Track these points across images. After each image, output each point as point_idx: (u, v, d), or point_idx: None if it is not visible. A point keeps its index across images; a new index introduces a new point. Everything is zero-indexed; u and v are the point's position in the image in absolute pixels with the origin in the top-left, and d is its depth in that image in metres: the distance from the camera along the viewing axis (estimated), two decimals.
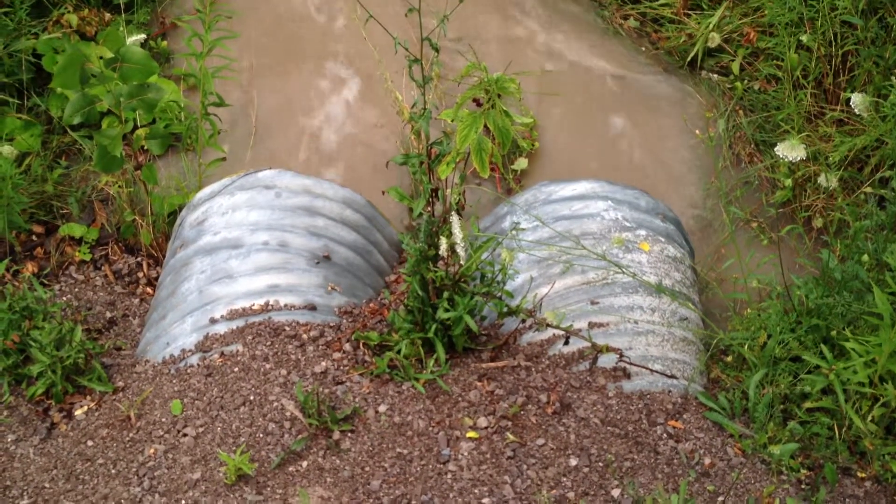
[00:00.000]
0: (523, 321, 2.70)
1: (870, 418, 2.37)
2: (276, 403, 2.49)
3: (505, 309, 2.66)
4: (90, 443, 2.51)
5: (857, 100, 2.72)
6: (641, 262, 2.84)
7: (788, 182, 3.12)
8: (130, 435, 2.50)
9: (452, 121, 3.37)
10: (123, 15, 3.90)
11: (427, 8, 2.71)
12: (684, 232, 3.06)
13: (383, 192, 3.39)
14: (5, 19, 3.48)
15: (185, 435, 2.46)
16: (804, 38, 3.27)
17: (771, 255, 2.87)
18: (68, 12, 3.72)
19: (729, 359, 2.72)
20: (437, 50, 2.84)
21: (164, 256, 3.23)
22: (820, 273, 2.66)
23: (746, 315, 2.73)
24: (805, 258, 3.00)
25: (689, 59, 3.83)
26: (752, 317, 2.68)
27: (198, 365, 2.64)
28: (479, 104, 3.55)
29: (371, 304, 2.92)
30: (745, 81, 3.62)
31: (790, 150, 2.39)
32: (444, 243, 2.56)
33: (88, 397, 2.65)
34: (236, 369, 2.60)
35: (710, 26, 3.72)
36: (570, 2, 4.25)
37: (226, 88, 3.66)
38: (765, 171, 3.38)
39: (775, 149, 2.42)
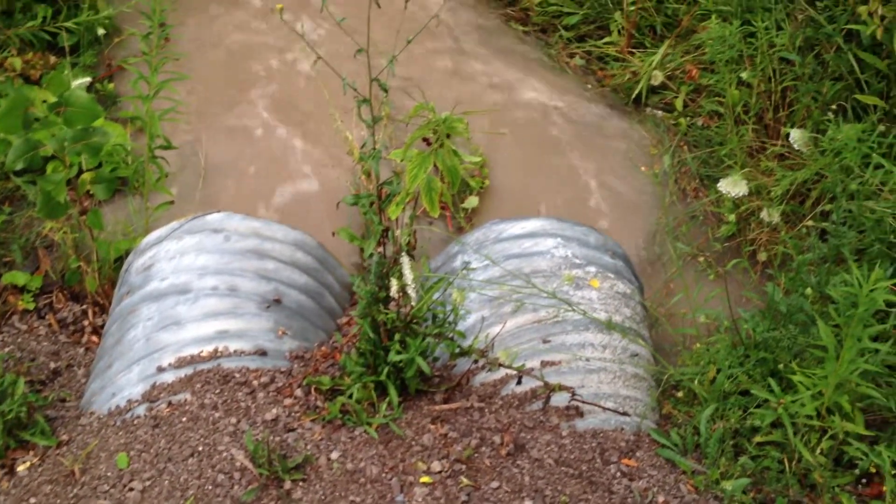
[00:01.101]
0: (476, 362, 2.70)
1: (818, 451, 2.40)
2: (225, 453, 2.45)
3: (457, 350, 2.65)
4: (33, 500, 2.44)
5: (796, 136, 2.78)
6: (592, 298, 2.85)
7: (732, 217, 3.18)
8: (75, 491, 2.44)
9: (402, 160, 3.38)
10: (69, 58, 3.86)
11: (376, 48, 2.73)
12: (633, 268, 3.09)
13: (333, 234, 3.39)
14: None
15: (131, 489, 2.41)
16: (744, 74, 3.35)
17: (718, 289, 2.90)
18: (12, 56, 3.68)
19: (680, 394, 2.74)
20: (385, 90, 2.85)
21: (110, 304, 3.18)
22: (766, 306, 2.70)
23: (696, 350, 2.76)
24: (751, 291, 3.04)
25: (633, 96, 3.89)
26: (701, 351, 2.70)
27: (145, 415, 2.59)
28: (428, 143, 3.58)
29: (323, 348, 2.89)
30: (689, 118, 3.68)
31: (732, 187, 2.43)
32: (394, 285, 2.55)
33: (31, 452, 2.58)
34: (184, 419, 2.56)
35: (653, 64, 3.79)
36: (517, 41, 4.30)
37: (175, 130, 3.64)
38: (710, 205, 3.44)
39: (718, 185, 2.46)
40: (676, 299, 3.06)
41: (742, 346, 2.63)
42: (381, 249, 2.72)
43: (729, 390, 2.56)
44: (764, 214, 2.88)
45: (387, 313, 2.61)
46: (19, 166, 2.81)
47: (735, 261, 3.00)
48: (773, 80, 3.38)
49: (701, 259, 3.29)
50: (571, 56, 4.19)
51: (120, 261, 3.24)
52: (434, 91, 3.96)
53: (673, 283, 3.28)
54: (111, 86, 3.94)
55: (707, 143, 3.55)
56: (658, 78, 3.69)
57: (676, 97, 3.76)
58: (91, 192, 3.35)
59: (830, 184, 2.73)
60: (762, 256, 3.17)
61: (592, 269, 2.94)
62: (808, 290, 2.52)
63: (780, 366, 2.53)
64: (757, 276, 3.22)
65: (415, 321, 2.65)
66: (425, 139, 3.56)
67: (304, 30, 4.17)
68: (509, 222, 3.12)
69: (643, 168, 3.53)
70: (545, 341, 2.77)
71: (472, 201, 3.56)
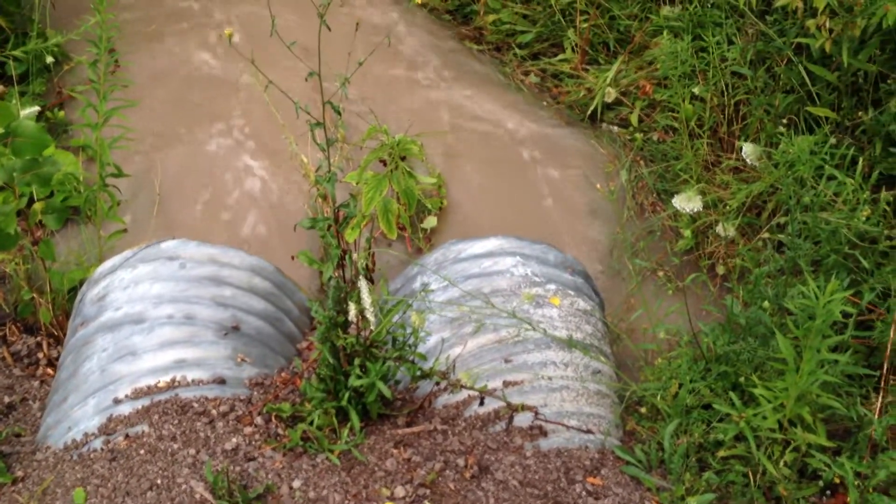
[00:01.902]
0: (437, 384, 2.67)
1: (782, 463, 2.40)
2: (184, 486, 2.40)
3: (418, 372, 2.63)
4: None
5: (749, 150, 2.81)
6: (552, 316, 2.85)
7: (688, 233, 3.19)
8: None
9: (358, 183, 3.36)
10: (17, 87, 3.80)
11: (329, 71, 2.71)
12: (593, 284, 3.09)
13: (292, 257, 3.36)
14: None
15: None
16: (697, 89, 3.37)
17: (678, 303, 2.91)
18: None
19: (643, 410, 2.74)
20: (339, 113, 2.83)
21: (64, 335, 3.12)
22: (725, 319, 2.71)
23: (657, 365, 2.76)
24: (710, 305, 3.06)
25: (589, 112, 3.90)
26: (662, 366, 2.70)
27: (101, 449, 2.53)
28: (384, 164, 3.57)
29: (283, 374, 2.86)
30: (644, 133, 3.71)
31: (687, 202, 2.44)
32: (353, 309, 2.53)
33: None
34: (142, 451, 2.50)
35: (607, 80, 3.81)
36: (472, 60, 4.30)
37: (128, 158, 3.59)
38: (667, 220, 3.45)
39: (672, 201, 2.47)
40: (637, 315, 3.06)
41: (703, 360, 2.64)
42: (339, 273, 2.70)
43: (691, 405, 2.56)
44: (719, 229, 2.90)
45: (346, 338, 2.58)
46: None
47: (694, 275, 3.01)
48: (725, 94, 3.41)
49: (660, 274, 3.31)
50: (526, 74, 4.20)
51: (74, 291, 3.18)
52: (389, 112, 3.94)
53: (633, 298, 3.29)
54: (61, 114, 3.88)
55: (663, 158, 3.57)
56: (612, 94, 3.71)
57: (631, 113, 3.78)
58: (42, 223, 3.30)
59: (785, 196, 2.75)
60: (720, 270, 3.19)
61: (552, 286, 2.94)
62: (766, 303, 2.53)
63: (742, 379, 2.53)
64: (716, 289, 3.24)
65: (375, 345, 2.63)
66: (382, 161, 3.56)
67: (255, 55, 4.14)
68: (468, 242, 3.11)
69: (598, 185, 3.54)
70: (507, 361, 2.75)
71: (430, 221, 3.54)
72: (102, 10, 2.98)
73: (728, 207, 3.10)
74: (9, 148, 2.80)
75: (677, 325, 2.81)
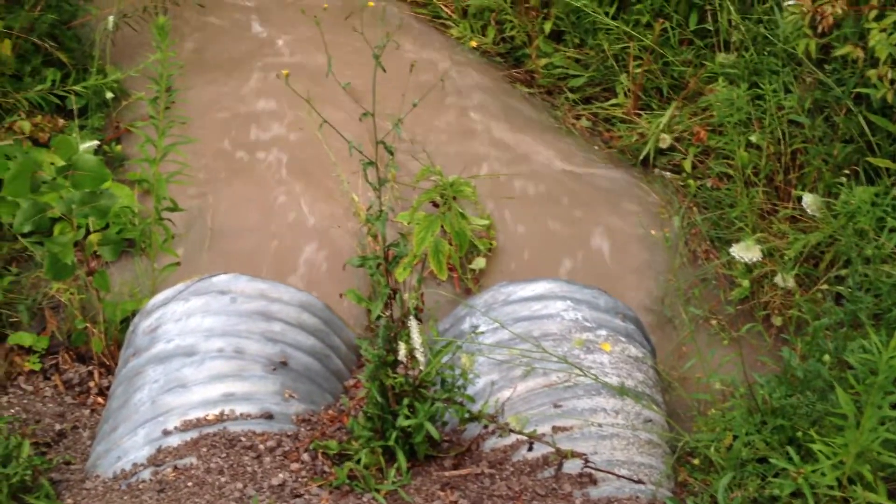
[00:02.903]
0: (486, 427, 2.65)
1: None
2: None
3: (467, 415, 2.61)
4: None
5: (809, 200, 2.77)
6: (603, 362, 2.81)
7: (746, 283, 3.15)
8: None
9: (409, 223, 3.37)
10: (77, 120, 3.88)
11: (382, 110, 2.73)
12: (645, 331, 3.05)
13: (341, 295, 3.36)
14: None
15: None
16: (753, 137, 3.35)
17: (732, 353, 2.86)
18: (21, 119, 3.69)
19: (696, 461, 2.68)
20: (391, 153, 2.85)
21: (116, 365, 3.14)
22: (782, 372, 2.66)
23: (711, 416, 2.70)
24: (766, 356, 3.00)
25: (641, 157, 3.89)
26: (716, 417, 2.65)
27: (150, 480, 2.54)
28: (436, 205, 3.57)
29: (330, 411, 2.85)
30: (698, 179, 3.68)
31: (745, 252, 2.40)
32: (402, 348, 2.52)
33: None
34: (190, 483, 2.50)
35: (661, 126, 3.79)
36: (523, 102, 4.32)
37: (181, 192, 3.63)
38: (721, 268, 3.41)
39: (731, 250, 2.43)
40: (690, 364, 3.01)
41: (759, 413, 2.58)
42: (388, 312, 2.70)
43: (746, 458, 2.50)
44: (778, 279, 2.85)
45: (395, 377, 2.57)
46: (27, 229, 2.81)
47: (749, 325, 2.96)
48: (782, 142, 3.38)
49: (713, 322, 3.26)
50: (577, 118, 4.20)
51: (126, 322, 3.21)
52: (440, 152, 3.96)
53: (685, 346, 3.24)
54: (119, 148, 3.95)
55: (717, 205, 3.53)
56: (666, 141, 3.70)
57: (685, 159, 3.75)
58: (98, 254, 3.34)
59: (844, 247, 2.71)
60: (777, 321, 3.13)
61: (603, 332, 2.91)
62: (827, 357, 2.48)
63: (799, 433, 2.47)
64: (771, 340, 3.18)
65: (423, 385, 2.61)
66: (433, 202, 3.57)
67: (310, 94, 4.19)
68: (518, 284, 3.09)
69: (652, 231, 3.52)
70: (556, 406, 2.72)
71: (479, 263, 3.53)
72: (165, 48, 3.03)
73: (785, 257, 3.06)
74: (69, 180, 2.85)
75: (732, 375, 2.76)
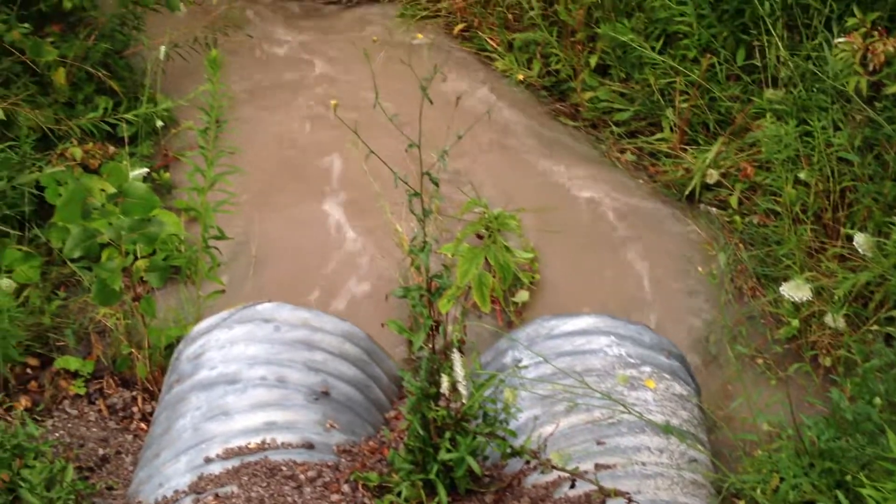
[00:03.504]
0: (528, 462, 2.62)
1: None
2: None
3: (508, 449, 2.59)
4: None
5: (861, 240, 2.73)
6: (647, 400, 2.78)
7: (795, 322, 3.10)
8: None
9: (453, 255, 3.37)
10: (127, 148, 3.95)
11: (427, 142, 2.74)
12: (689, 368, 3.02)
13: (383, 325, 3.36)
14: (10, 153, 3.51)
15: None
16: (802, 174, 3.31)
17: (779, 393, 2.81)
18: (73, 146, 3.76)
19: (741, 503, 2.63)
20: (436, 184, 2.86)
21: (159, 390, 3.17)
22: (830, 413, 2.61)
23: (757, 457, 2.66)
24: (814, 397, 2.95)
25: (687, 192, 3.86)
26: (763, 459, 2.60)
27: None
28: (480, 238, 3.58)
29: (370, 443, 2.84)
30: (745, 216, 3.64)
31: (795, 291, 2.37)
32: (445, 381, 2.51)
33: None
34: None
35: (707, 161, 3.77)
36: (567, 136, 4.32)
37: (227, 220, 3.67)
38: (768, 305, 3.37)
39: (781, 289, 2.40)
40: (736, 404, 2.97)
41: (806, 455, 2.53)
42: (430, 343, 2.69)
43: (793, 501, 2.45)
44: (828, 319, 2.81)
45: (437, 410, 2.56)
46: (77, 254, 2.85)
47: (797, 365, 2.91)
48: (831, 179, 3.34)
49: (760, 361, 3.21)
50: (622, 151, 4.19)
51: (170, 348, 3.24)
52: (483, 184, 3.97)
53: (731, 385, 3.19)
54: (167, 175, 4.01)
55: (764, 242, 3.50)
56: (713, 177, 3.67)
57: (731, 194, 3.72)
58: (144, 280, 3.38)
59: (894, 287, 2.66)
60: (825, 361, 3.08)
61: (647, 368, 2.88)
62: (877, 400, 2.43)
63: (848, 477, 2.42)
64: (820, 380, 3.13)
65: (465, 419, 2.60)
66: (477, 234, 3.57)
67: (357, 125, 4.23)
68: (561, 319, 3.07)
69: (699, 267, 3.48)
70: (599, 443, 2.69)
71: (522, 296, 3.52)
72: (216, 79, 3.08)
73: (834, 297, 3.01)
74: (119, 207, 2.89)
75: (779, 416, 2.71)
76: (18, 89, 3.78)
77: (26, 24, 3.82)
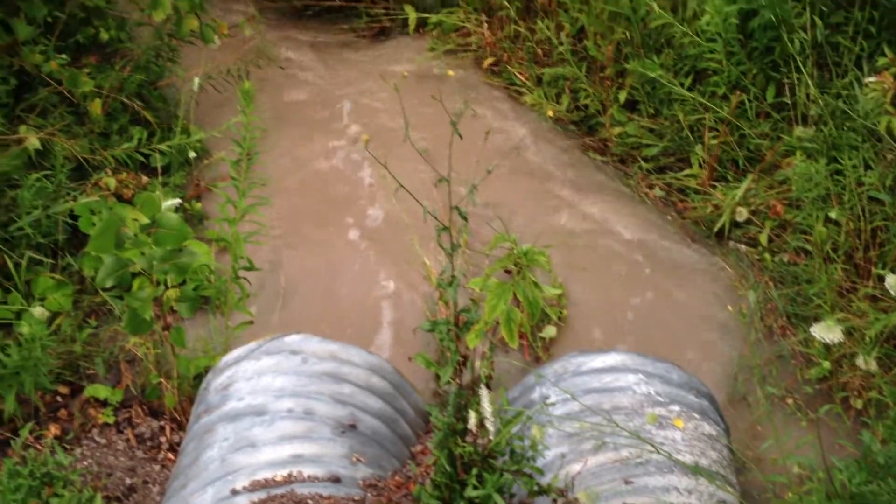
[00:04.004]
0: (555, 500, 2.60)
1: None
2: None
3: (535, 487, 2.57)
4: None
5: (892, 281, 2.70)
6: (676, 439, 2.76)
7: (826, 364, 3.07)
8: None
9: (481, 290, 3.38)
10: (160, 178, 3.99)
11: (456, 176, 2.77)
12: (718, 408, 2.99)
13: (410, 359, 3.37)
14: (46, 182, 3.57)
15: None
16: (833, 213, 3.29)
17: (809, 435, 2.78)
18: (107, 175, 3.81)
19: None
20: (465, 219, 2.87)
21: (187, 420, 3.18)
22: (862, 456, 2.57)
23: (787, 499, 2.62)
24: (845, 439, 2.91)
25: (716, 229, 3.85)
26: (793, 501, 2.57)
27: None
28: (508, 273, 3.58)
29: (397, 477, 2.83)
30: (774, 253, 3.62)
31: (827, 332, 2.35)
32: (473, 417, 2.50)
33: None
34: None
35: (736, 198, 3.76)
36: (596, 171, 4.33)
37: (256, 251, 3.70)
38: (798, 345, 3.34)
39: (812, 330, 2.38)
40: (766, 445, 2.94)
41: (837, 499, 2.50)
42: (458, 378, 2.69)
43: None
44: (860, 362, 2.78)
45: (464, 446, 2.55)
46: (109, 284, 2.88)
47: (827, 406, 2.88)
48: (862, 219, 3.32)
49: (790, 401, 3.18)
50: (651, 187, 4.19)
51: (199, 377, 3.26)
52: (511, 219, 3.98)
53: (761, 426, 3.16)
54: (199, 205, 4.05)
55: (794, 281, 3.47)
56: (743, 214, 3.66)
57: (761, 232, 3.71)
58: (175, 309, 3.41)
59: None
60: (857, 403, 3.04)
61: (676, 407, 2.86)
62: None
63: None
64: (851, 422, 3.09)
65: (492, 455, 2.59)
66: (506, 269, 3.57)
67: (387, 158, 4.26)
68: (589, 355, 3.06)
69: (728, 306, 3.46)
70: (627, 482, 2.67)
71: (549, 331, 3.52)
72: (249, 112, 3.12)
73: (866, 338, 2.98)
74: (151, 237, 2.92)
75: (809, 458, 2.68)
76: (55, 119, 3.85)
77: (64, 56, 3.89)
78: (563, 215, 4.07)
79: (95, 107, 3.94)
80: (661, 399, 2.88)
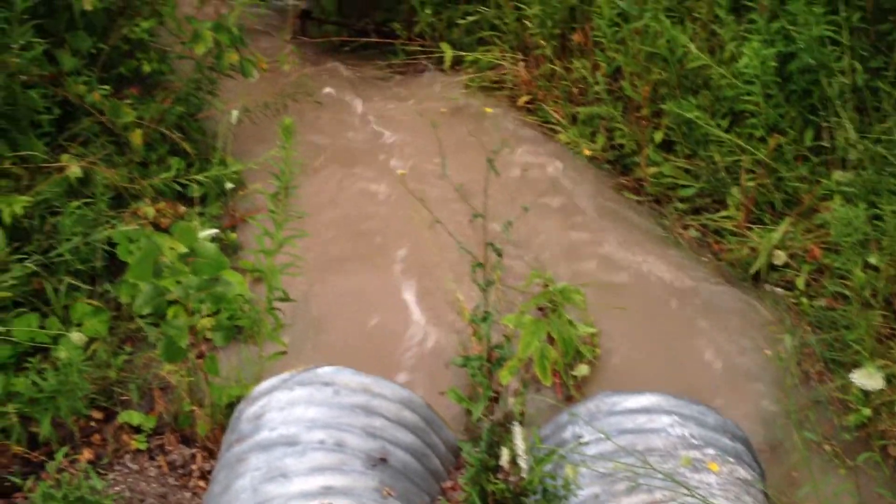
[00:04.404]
0: None
1: None
2: None
3: None
4: None
5: None
6: (710, 483, 2.72)
7: (866, 411, 3.02)
8: None
9: (515, 327, 3.37)
10: (197, 207, 4.04)
11: (490, 212, 2.78)
12: (754, 452, 2.95)
13: (441, 393, 3.36)
14: (86, 210, 3.61)
15: None
16: (872, 258, 3.26)
17: (847, 483, 2.74)
18: (146, 204, 3.86)
19: None
20: (500, 255, 2.88)
21: (219, 449, 3.19)
22: None
23: None
24: (883, 487, 2.86)
25: (752, 271, 3.82)
26: None
27: None
28: (540, 310, 3.57)
29: None
30: (811, 298, 3.59)
31: (867, 379, 2.33)
32: (505, 454, 2.49)
33: None
34: None
35: (773, 241, 3.73)
36: (630, 210, 4.32)
37: (290, 281, 3.72)
38: (836, 391, 3.29)
39: (851, 376, 2.36)
40: (803, 492, 2.89)
41: None
42: (490, 414, 2.68)
43: None
44: None
45: (496, 483, 2.54)
46: (146, 311, 2.91)
47: (866, 454, 2.84)
48: None
49: (827, 448, 3.13)
50: (686, 228, 4.17)
51: (230, 406, 3.26)
52: (544, 256, 3.98)
53: (797, 472, 3.11)
54: (234, 236, 4.09)
55: (832, 326, 3.43)
56: (781, 258, 3.63)
57: (798, 276, 3.67)
58: (208, 338, 3.43)
59: None
60: (895, 451, 2.99)
61: (711, 451, 2.82)
62: None
63: None
64: (889, 471, 3.04)
65: (524, 493, 2.57)
66: (539, 307, 3.56)
67: (422, 193, 4.29)
68: (623, 395, 3.04)
69: (766, 350, 3.43)
70: None
71: (582, 370, 3.50)
72: (289, 145, 3.15)
73: None
74: (189, 267, 2.95)
75: None
76: (96, 148, 3.91)
77: (106, 87, 3.97)
78: (596, 254, 4.06)
79: (136, 137, 4.00)
80: (695, 442, 2.85)
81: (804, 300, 3.57)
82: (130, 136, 4.00)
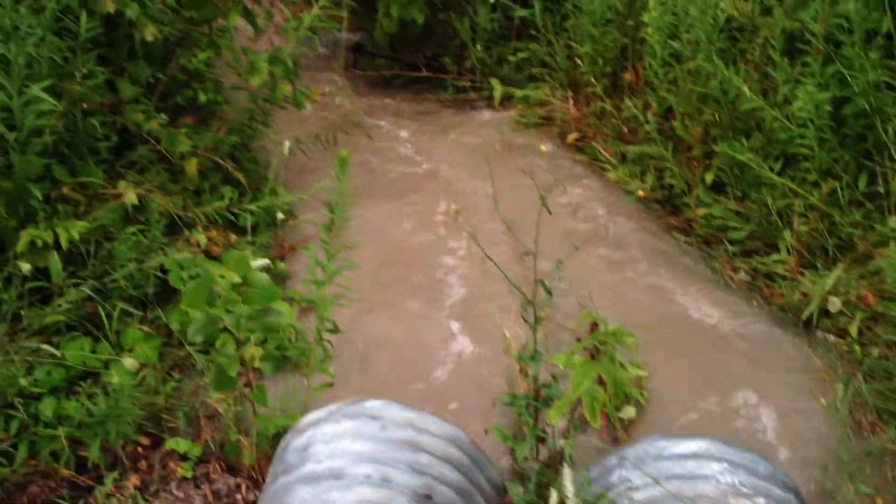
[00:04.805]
0: None
1: None
2: None
3: None
4: None
5: None
6: None
7: None
8: None
9: (565, 367, 3.35)
10: (248, 236, 4.08)
11: (539, 250, 2.78)
12: (805, 503, 2.90)
13: (486, 431, 3.34)
14: (140, 236, 3.67)
15: None
16: None
17: None
18: (198, 233, 3.91)
19: None
20: (550, 293, 2.88)
21: (263, 479, 3.19)
22: None
23: None
24: None
25: (803, 317, 3.77)
26: None
27: None
28: (588, 351, 3.54)
29: None
30: (865, 346, 3.53)
31: None
32: (554, 496, 2.47)
33: None
34: None
35: (826, 287, 3.68)
36: (679, 250, 4.30)
37: (337, 312, 3.74)
38: (889, 442, 3.23)
39: None
40: None
41: None
42: (535, 455, 2.67)
43: None
44: None
45: None
46: (199, 339, 2.93)
47: None
48: None
49: (879, 501, 3.07)
50: (736, 270, 4.14)
51: (276, 437, 3.28)
52: (594, 295, 3.95)
53: None
54: (283, 266, 4.12)
55: (885, 375, 3.37)
56: (836, 304, 3.58)
57: (850, 323, 3.62)
58: (256, 367, 3.45)
59: None
60: None
61: (762, 500, 2.77)
62: None
63: None
64: None
65: None
66: (588, 348, 3.54)
67: (466, 226, 4.31)
68: (671, 440, 3.00)
69: (822, 399, 3.37)
70: None
71: (629, 412, 3.46)
72: (343, 177, 3.18)
73: None
74: (242, 296, 2.98)
75: None
76: (152, 176, 3.98)
77: (163, 115, 4.04)
78: (644, 294, 4.04)
79: (191, 166, 4.07)
80: (745, 490, 2.80)
81: (857, 348, 3.52)
82: (185, 165, 4.07)
